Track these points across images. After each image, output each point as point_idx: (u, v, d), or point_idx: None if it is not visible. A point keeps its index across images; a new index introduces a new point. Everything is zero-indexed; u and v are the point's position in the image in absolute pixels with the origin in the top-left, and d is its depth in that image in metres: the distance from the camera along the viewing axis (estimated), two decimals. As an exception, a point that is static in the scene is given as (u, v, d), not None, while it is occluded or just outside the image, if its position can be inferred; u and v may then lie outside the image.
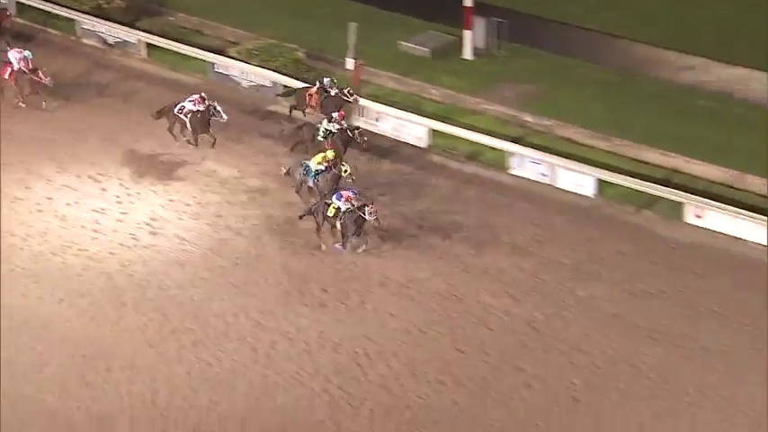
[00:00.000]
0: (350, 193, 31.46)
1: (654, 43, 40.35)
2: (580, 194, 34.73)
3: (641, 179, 34.50)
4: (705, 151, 35.44)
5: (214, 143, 35.80)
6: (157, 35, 41.61)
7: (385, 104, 38.03)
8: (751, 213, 32.79)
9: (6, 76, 37.86)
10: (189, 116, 35.46)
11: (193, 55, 40.84)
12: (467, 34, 40.56)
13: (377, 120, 37.64)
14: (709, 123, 36.92)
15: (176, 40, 41.43)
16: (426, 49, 40.98)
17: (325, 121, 34.71)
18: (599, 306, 30.47)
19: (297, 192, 33.52)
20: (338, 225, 31.49)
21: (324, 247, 31.96)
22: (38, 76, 37.38)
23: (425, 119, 37.19)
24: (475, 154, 36.59)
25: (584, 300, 30.63)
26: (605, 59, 39.93)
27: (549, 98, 38.36)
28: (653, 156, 35.84)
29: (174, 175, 35.24)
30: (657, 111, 37.64)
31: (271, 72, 39.64)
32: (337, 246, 31.92)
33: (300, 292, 30.75)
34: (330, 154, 33.14)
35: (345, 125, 34.77)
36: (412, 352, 29.05)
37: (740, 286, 31.06)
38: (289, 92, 37.76)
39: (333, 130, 34.52)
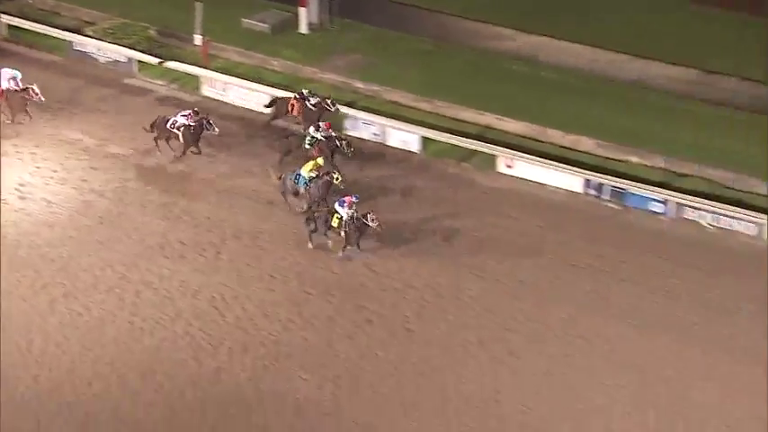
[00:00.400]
0: (352, 198, 29.96)
1: (466, 16, 40.82)
2: (409, 150, 34.98)
3: (459, 135, 34.96)
4: (514, 109, 36.03)
5: (199, 152, 33.91)
6: (17, 17, 40.38)
7: (231, 76, 37.64)
8: (553, 162, 33.53)
9: None
10: (182, 130, 33.40)
11: (53, 35, 39.84)
12: (302, 11, 40.62)
13: (224, 90, 37.35)
14: (517, 85, 37.62)
15: (36, 21, 40.24)
16: (266, 25, 40.87)
17: (312, 130, 33.09)
18: (425, 247, 30.95)
19: (283, 196, 32.00)
20: (342, 234, 29.90)
21: (311, 245, 30.71)
22: (29, 93, 34.74)
23: (269, 88, 36.99)
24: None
25: (411, 241, 31.01)
26: (424, 31, 40.33)
27: (377, 67, 38.68)
28: (469, 115, 36.46)
29: (40, 143, 34.42)
30: (471, 75, 38.23)
31: (125, 49, 38.99)
32: (340, 254, 30.48)
33: (161, 246, 30.60)
34: (320, 161, 31.59)
35: (332, 134, 33.14)
36: (264, 296, 29.20)
37: (547, 225, 31.90)
38: (271, 102, 35.89)
39: (319, 138, 32.90)
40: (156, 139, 33.76)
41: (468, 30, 40.43)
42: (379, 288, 29.58)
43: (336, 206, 29.88)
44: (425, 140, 35.16)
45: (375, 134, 35.54)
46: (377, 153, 34.94)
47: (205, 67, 37.64)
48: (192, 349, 27.39)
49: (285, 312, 28.71)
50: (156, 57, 37.89)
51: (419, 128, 35.34)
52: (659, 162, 33.60)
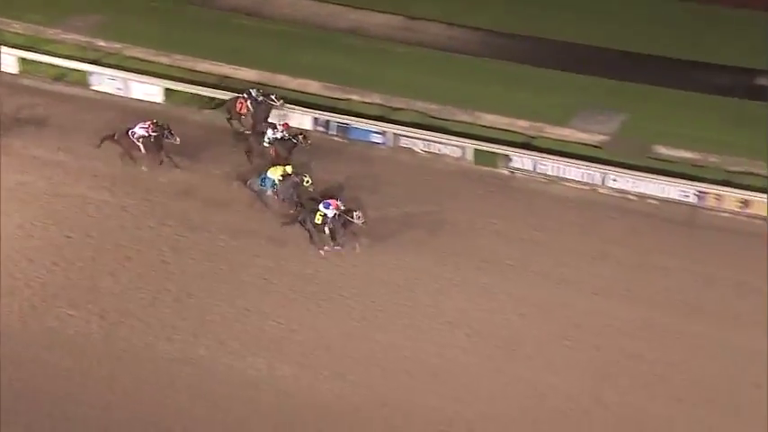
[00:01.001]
0: (337, 202, 29.05)
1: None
2: (151, 101, 35.45)
3: (199, 85, 35.68)
4: (246, 59, 37.06)
5: (161, 162, 32.17)
6: None
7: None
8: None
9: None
10: (141, 140, 31.67)
11: None
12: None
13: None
14: (248, 37, 38.51)
15: None
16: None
17: (269, 130, 31.91)
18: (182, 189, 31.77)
19: (262, 202, 30.57)
20: (326, 230, 28.97)
21: (323, 253, 29.40)
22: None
23: (16, 50, 36.63)
24: (61, 75, 36.53)
25: (165, 186, 31.70)
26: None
27: (116, 25, 38.71)
28: (206, 66, 37.16)
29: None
30: (206, 30, 38.90)
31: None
32: (327, 248, 29.41)
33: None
34: (289, 169, 30.17)
35: (288, 133, 31.83)
36: (26, 242, 29.32)
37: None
38: (221, 103, 34.41)
39: (278, 137, 31.69)
40: (127, 154, 32.07)
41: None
42: (135, 227, 30.23)
43: (321, 207, 28.98)
44: (168, 92, 35.50)
45: (119, 88, 35.76)
46: (121, 105, 34.91)
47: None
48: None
49: (49, 256, 29.13)
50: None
51: (161, 80, 35.68)
52: (377, 99, 35.23)
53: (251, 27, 39.21)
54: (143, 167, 32.23)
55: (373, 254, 29.45)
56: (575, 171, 32.10)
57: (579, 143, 33.33)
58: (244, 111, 33.05)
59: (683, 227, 30.43)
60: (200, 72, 37.06)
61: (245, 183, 30.50)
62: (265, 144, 31.73)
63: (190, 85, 35.84)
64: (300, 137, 31.50)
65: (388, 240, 29.72)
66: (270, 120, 33.04)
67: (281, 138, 31.47)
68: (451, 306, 28.03)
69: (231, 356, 26.90)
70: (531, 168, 32.37)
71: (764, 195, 30.41)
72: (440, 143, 33.28)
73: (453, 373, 26.36)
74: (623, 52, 36.30)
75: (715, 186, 31.02)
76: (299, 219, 29.14)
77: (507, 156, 32.61)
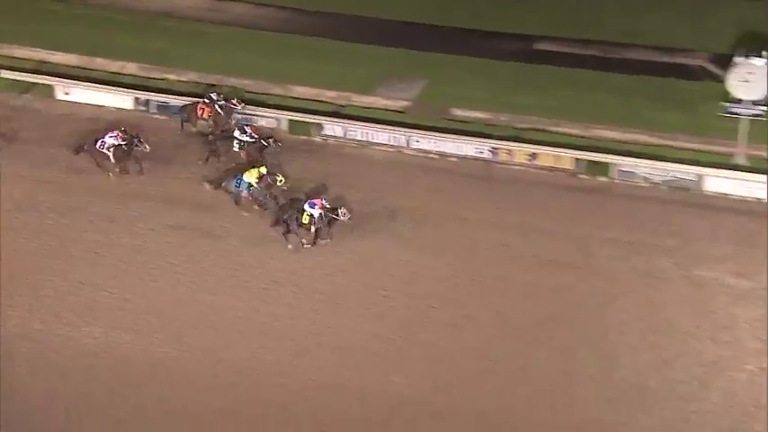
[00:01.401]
0: (323, 201, 28.71)
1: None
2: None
3: (18, 71, 35.02)
4: (64, 44, 36.74)
5: (141, 170, 31.27)
6: None
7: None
8: (106, 85, 34.69)
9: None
10: (112, 150, 30.61)
11: None
12: None
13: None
14: (64, 23, 37.95)
15: None
16: None
17: (237, 133, 31.14)
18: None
19: (237, 204, 29.80)
20: (312, 229, 28.46)
21: (305, 244, 28.88)
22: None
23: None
24: None
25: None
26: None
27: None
28: (23, 52, 36.56)
29: None
30: (23, 17, 38.05)
31: None
32: (308, 245, 28.87)
33: None
34: (263, 170, 29.52)
35: (257, 136, 31.30)
36: None
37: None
38: (181, 109, 33.29)
39: (247, 141, 31.02)
40: (98, 164, 31.17)
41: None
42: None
43: (306, 207, 28.59)
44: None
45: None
46: None
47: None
48: None
49: None
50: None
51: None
52: (193, 77, 35.31)
53: (68, 13, 38.60)
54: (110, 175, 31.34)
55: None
56: (381, 135, 33.11)
57: (384, 109, 34.23)
58: (206, 115, 32.40)
59: (480, 180, 31.68)
60: (18, 58, 36.21)
61: (219, 185, 29.84)
62: (235, 149, 31.14)
63: (8, 71, 34.96)
64: (271, 140, 31.16)
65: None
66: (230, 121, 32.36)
67: (251, 141, 30.93)
68: (276, 266, 28.56)
69: (67, 328, 26.90)
70: (341, 135, 33.23)
71: (550, 149, 31.92)
72: (256, 115, 33.49)
73: (282, 329, 27.02)
74: (420, 24, 37.30)
75: (506, 142, 32.30)
76: (285, 218, 28.63)
77: (320, 124, 33.25)
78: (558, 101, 33.36)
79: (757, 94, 29.91)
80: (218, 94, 32.67)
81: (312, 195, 29.56)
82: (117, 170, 31.00)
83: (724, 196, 30.41)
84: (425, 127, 33.08)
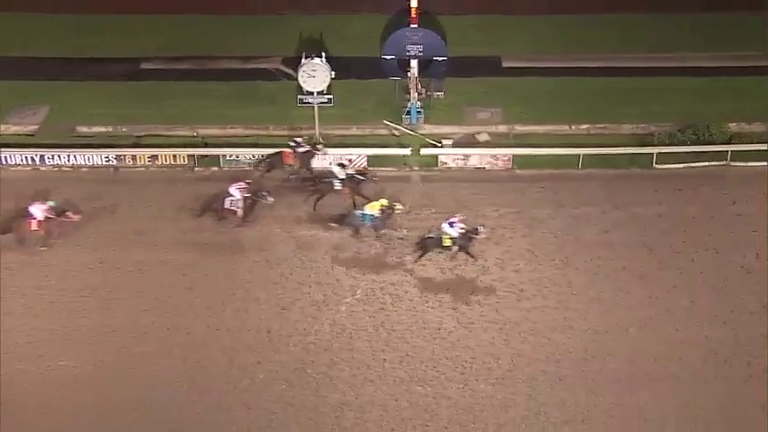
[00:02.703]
0: (457, 218, 26.83)
1: None
2: None
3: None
4: None
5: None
6: None
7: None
8: None
9: (35, 228, 27.72)
10: (239, 204, 27.93)
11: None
12: None
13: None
14: None
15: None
16: None
17: (336, 169, 28.88)
18: None
19: (355, 233, 28.08)
20: (455, 250, 26.49)
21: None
22: (67, 217, 27.80)
23: None
24: None
25: None
26: None
27: None
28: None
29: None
30: None
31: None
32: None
33: None
34: (385, 202, 27.80)
35: (352, 173, 29.25)
36: None
37: None
38: (263, 160, 30.72)
39: (345, 177, 28.71)
40: (220, 218, 28.76)
41: None
42: None
43: (446, 229, 26.72)
44: None
45: None
46: None
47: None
48: None
49: None
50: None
51: None
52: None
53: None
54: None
55: None
56: (18, 156, 31.89)
57: (16, 134, 33.01)
58: (292, 161, 30.49)
59: (111, 184, 31.62)
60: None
61: (342, 221, 28.25)
62: (337, 187, 29.26)
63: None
64: (366, 174, 29.59)
65: None
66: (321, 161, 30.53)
67: (350, 176, 29.22)
68: None
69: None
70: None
71: (167, 150, 32.35)
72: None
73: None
74: (43, 58, 36.19)
75: (128, 149, 32.52)
76: (426, 243, 27.27)
77: (-2, 154, 32.01)
78: (168, 109, 33.88)
79: (321, 86, 31.87)
80: (303, 139, 30.90)
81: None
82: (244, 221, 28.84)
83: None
84: (56, 145, 32.36)
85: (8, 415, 24.53)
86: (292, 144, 30.69)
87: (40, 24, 38.23)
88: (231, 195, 28.72)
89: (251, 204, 28.78)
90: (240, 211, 28.64)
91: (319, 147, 30.62)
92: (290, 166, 30.73)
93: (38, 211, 27.88)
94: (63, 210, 28.14)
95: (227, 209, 28.68)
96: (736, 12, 37.22)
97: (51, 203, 28.14)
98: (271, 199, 28.71)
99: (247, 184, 28.83)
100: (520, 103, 34.36)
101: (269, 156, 30.91)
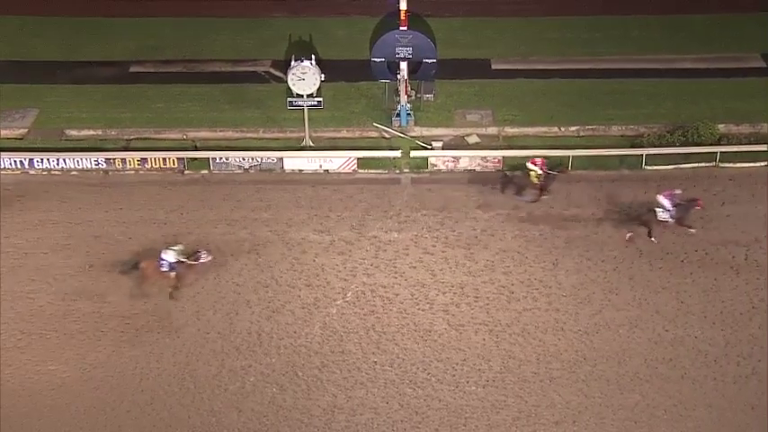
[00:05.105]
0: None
1: None
2: None
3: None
4: None
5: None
6: None
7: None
8: None
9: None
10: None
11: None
12: None
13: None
14: None
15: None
16: None
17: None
18: None
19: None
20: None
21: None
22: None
23: None
24: None
25: None
26: None
27: None
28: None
29: None
30: None
31: None
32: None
33: None
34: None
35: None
36: None
37: None
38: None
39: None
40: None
41: None
42: None
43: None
44: None
45: None
46: None
47: None
48: None
49: None
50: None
51: None
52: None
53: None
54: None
55: None
56: (7, 160, 31.78)
57: (5, 138, 32.90)
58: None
59: (101, 187, 31.55)
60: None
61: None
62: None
63: None
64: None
65: None
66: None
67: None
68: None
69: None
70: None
71: (156, 153, 32.31)
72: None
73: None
74: (29, 62, 36.07)
75: (118, 153, 32.40)
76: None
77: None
78: (156, 113, 33.80)
79: (310, 89, 31.90)
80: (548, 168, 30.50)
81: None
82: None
83: (299, 172, 32.23)
84: (45, 149, 32.20)
85: (-2, 419, 24.58)
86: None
87: (28, 27, 38.15)
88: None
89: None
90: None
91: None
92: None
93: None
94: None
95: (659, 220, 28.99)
96: (725, 14, 37.42)
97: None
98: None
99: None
100: (509, 105, 34.45)
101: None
